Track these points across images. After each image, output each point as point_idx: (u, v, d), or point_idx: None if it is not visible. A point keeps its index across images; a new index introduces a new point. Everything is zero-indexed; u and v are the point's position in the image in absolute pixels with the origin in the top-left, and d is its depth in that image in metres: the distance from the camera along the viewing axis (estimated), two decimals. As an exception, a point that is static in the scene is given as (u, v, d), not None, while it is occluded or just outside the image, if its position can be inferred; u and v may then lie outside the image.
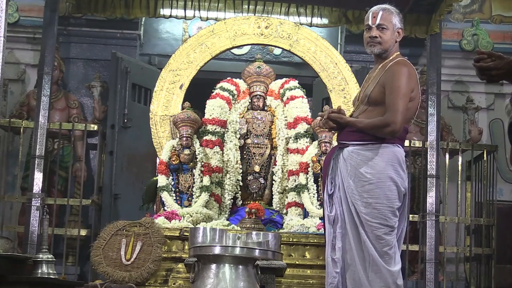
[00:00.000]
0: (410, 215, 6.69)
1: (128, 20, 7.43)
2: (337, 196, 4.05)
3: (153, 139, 6.28)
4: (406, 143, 6.48)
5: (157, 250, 5.30)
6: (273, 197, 6.21)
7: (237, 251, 3.96)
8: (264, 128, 6.33)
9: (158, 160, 6.19)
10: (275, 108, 6.38)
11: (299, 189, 5.97)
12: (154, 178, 6.15)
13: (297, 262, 5.47)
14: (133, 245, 5.31)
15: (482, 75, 2.92)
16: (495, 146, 7.42)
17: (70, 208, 7.08)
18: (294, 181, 6.04)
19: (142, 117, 7.04)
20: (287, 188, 6.12)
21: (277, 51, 8.31)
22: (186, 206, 5.89)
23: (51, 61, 6.54)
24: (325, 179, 4.14)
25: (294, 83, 6.48)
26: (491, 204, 7.23)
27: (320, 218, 5.57)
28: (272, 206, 6.20)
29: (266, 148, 6.31)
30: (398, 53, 4.16)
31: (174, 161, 5.97)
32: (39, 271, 4.75)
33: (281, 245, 4.84)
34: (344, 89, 6.38)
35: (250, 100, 6.41)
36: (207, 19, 6.99)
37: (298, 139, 6.15)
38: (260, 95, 6.39)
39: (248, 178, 6.25)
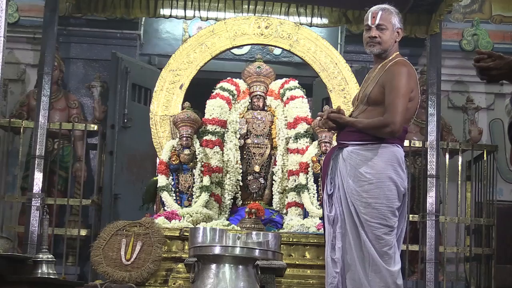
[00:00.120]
0: (410, 215, 6.71)
1: (128, 20, 7.43)
2: (336, 196, 4.05)
3: (153, 139, 6.28)
4: (406, 143, 6.52)
5: (157, 250, 5.31)
6: (273, 197, 6.22)
7: (237, 251, 3.97)
8: (264, 128, 6.33)
9: (158, 160, 6.19)
10: (275, 108, 6.38)
11: (299, 189, 5.97)
12: (154, 178, 6.15)
13: (297, 262, 5.47)
14: (133, 245, 5.31)
15: (482, 75, 2.91)
16: (495, 146, 7.42)
17: (70, 208, 7.08)
18: (294, 181, 6.04)
19: (142, 117, 7.04)
20: (287, 188, 6.12)
21: (277, 51, 8.31)
22: (186, 206, 5.89)
23: (51, 61, 6.54)
24: (325, 179, 4.14)
25: (294, 83, 6.48)
26: (491, 204, 7.23)
27: (320, 218, 5.57)
28: (272, 206, 6.20)
29: (266, 148, 6.31)
30: (398, 53, 4.16)
31: (174, 161, 5.97)
32: (39, 271, 4.75)
33: (281, 245, 4.84)
34: (344, 89, 6.38)
35: (250, 100, 6.41)
36: (207, 19, 6.99)
37: (298, 139, 6.15)
38: (260, 95, 6.39)
39: (248, 178, 6.25)
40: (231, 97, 6.34)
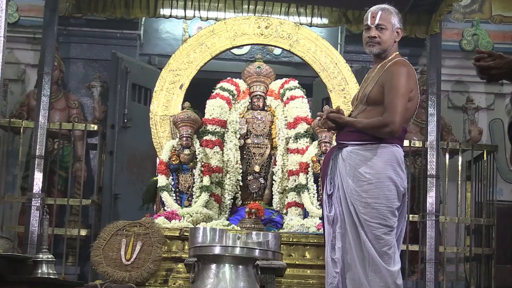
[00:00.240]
0: (410, 215, 6.71)
1: (128, 20, 7.43)
2: (336, 196, 4.05)
3: (153, 139, 6.28)
4: (406, 143, 6.53)
5: (157, 250, 5.30)
6: (273, 197, 6.21)
7: (237, 251, 3.97)
8: (264, 128, 6.33)
9: (158, 160, 6.18)
10: (275, 108, 6.38)
11: (299, 189, 5.97)
12: (154, 178, 6.15)
13: (297, 262, 5.47)
14: (133, 245, 5.31)
15: (482, 74, 2.91)
16: (495, 146, 7.42)
17: (70, 208, 7.08)
18: (294, 181, 6.04)
19: (142, 117, 7.04)
20: (287, 188, 6.12)
21: (277, 51, 8.31)
22: (186, 206, 5.89)
23: (51, 61, 6.54)
24: (324, 179, 4.14)
25: (294, 83, 6.48)
26: (491, 204, 7.23)
27: (320, 218, 5.57)
28: (272, 206, 6.20)
29: (266, 148, 6.31)
30: (397, 53, 4.16)
31: (174, 161, 5.97)
32: (39, 271, 4.75)
33: (281, 245, 4.84)
34: (344, 89, 6.38)
35: (250, 100, 6.41)
36: (207, 19, 6.99)
37: (298, 139, 6.14)
38: (260, 95, 6.39)
39: (248, 178, 6.25)
40: (231, 97, 6.34)
